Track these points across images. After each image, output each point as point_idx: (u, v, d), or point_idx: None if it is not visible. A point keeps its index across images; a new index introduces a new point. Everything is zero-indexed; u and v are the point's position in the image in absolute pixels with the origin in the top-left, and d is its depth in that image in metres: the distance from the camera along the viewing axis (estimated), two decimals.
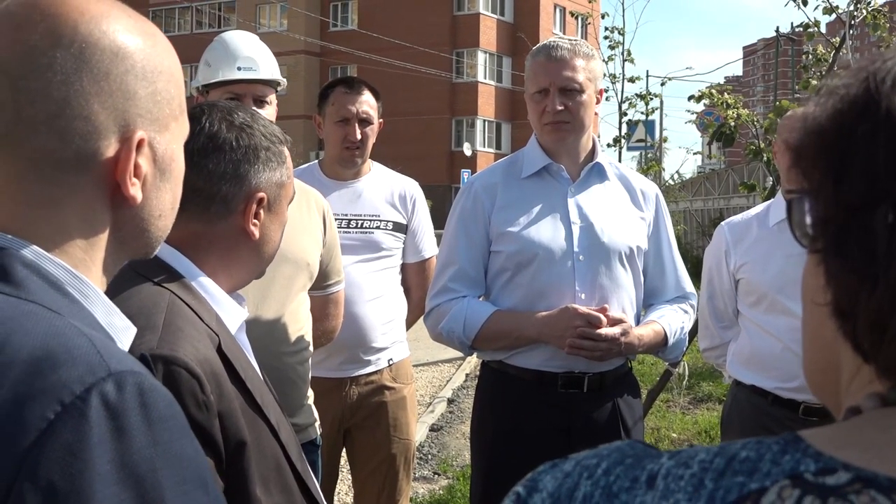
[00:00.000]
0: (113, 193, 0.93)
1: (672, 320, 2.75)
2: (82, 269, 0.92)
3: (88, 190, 0.91)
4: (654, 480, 0.61)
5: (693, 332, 5.22)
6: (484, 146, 43.95)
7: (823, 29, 6.04)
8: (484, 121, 44.40)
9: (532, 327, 2.59)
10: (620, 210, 2.74)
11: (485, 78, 44.42)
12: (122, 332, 0.94)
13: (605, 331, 2.54)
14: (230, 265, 1.54)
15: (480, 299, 2.74)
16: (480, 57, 43.99)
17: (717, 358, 3.32)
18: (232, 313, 1.51)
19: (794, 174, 0.69)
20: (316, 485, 1.54)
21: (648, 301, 2.82)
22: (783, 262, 3.15)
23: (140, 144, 0.93)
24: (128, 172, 0.92)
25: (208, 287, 1.49)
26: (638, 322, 2.73)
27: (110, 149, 0.91)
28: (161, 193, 0.99)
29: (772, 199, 3.45)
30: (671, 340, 2.73)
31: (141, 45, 0.95)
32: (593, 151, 2.76)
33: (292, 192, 1.66)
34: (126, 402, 0.78)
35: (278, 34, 42.87)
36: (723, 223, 3.24)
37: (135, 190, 0.93)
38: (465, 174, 36.11)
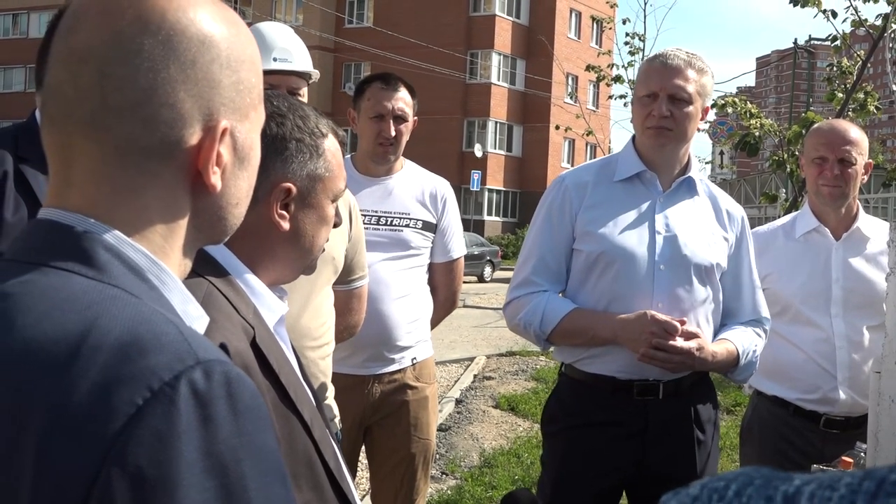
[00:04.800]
0: (194, 181, 0.94)
1: (745, 341, 2.73)
2: (161, 256, 0.92)
3: (170, 177, 0.92)
4: (792, 501, 0.60)
5: None
6: (495, 148, 43.92)
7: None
8: (496, 122, 44.34)
9: (608, 328, 2.61)
10: (705, 226, 2.74)
11: (498, 80, 44.37)
12: (196, 321, 0.95)
13: (682, 344, 2.54)
14: (265, 257, 1.52)
15: (560, 296, 2.75)
16: (494, 58, 43.93)
17: None
18: (271, 307, 1.50)
19: None
20: (350, 484, 1.52)
21: (723, 321, 2.81)
22: (808, 274, 3.14)
23: (223, 133, 0.93)
24: (210, 161, 0.93)
25: (249, 280, 1.48)
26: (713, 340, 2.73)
27: (194, 137, 0.92)
28: (239, 182, 1.00)
29: (797, 211, 3.43)
30: (742, 361, 2.72)
31: (226, 34, 0.95)
32: (687, 165, 2.78)
33: (339, 187, 1.61)
34: (213, 391, 0.79)
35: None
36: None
37: (216, 178, 0.94)
38: (476, 175, 36.11)
